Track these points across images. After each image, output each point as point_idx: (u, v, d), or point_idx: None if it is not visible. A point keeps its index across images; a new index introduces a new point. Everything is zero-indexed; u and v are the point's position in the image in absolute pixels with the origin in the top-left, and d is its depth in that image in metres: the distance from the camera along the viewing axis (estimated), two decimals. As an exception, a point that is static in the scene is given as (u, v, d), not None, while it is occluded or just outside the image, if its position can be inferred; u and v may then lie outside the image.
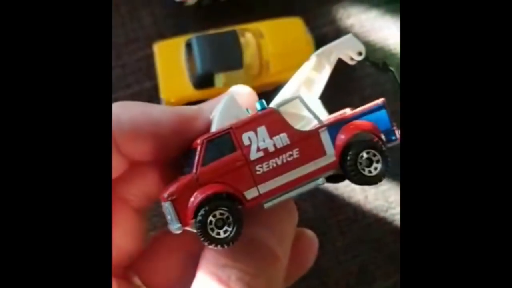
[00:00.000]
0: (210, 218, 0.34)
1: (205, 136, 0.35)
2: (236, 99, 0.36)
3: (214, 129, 0.36)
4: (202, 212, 0.34)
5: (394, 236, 0.87)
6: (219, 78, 0.87)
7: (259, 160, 0.35)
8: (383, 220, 0.87)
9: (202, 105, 0.39)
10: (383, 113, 0.37)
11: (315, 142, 0.35)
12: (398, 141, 0.37)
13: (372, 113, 0.36)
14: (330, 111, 0.40)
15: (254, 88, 0.87)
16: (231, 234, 0.34)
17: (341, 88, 0.91)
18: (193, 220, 0.34)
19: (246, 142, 0.35)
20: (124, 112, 0.37)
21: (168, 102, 0.88)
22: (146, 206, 0.41)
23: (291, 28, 0.93)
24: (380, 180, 0.36)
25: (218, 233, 0.34)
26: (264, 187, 0.35)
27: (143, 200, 0.40)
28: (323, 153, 0.35)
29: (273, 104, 0.37)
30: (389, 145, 0.37)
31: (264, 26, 0.92)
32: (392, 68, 0.39)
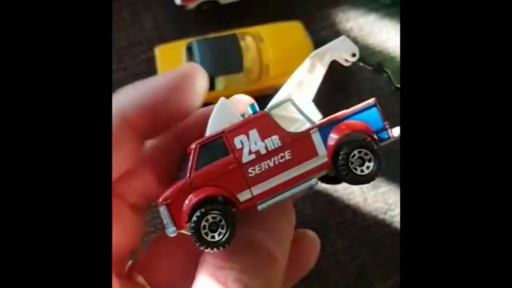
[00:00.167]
0: (203, 222, 0.35)
1: (198, 141, 0.36)
2: (229, 104, 0.37)
3: (207, 133, 0.36)
4: (195, 217, 0.34)
5: (393, 238, 0.87)
6: (219, 81, 0.88)
7: (251, 163, 0.35)
8: (382, 222, 0.88)
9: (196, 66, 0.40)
10: (374, 112, 0.37)
11: (307, 143, 0.36)
12: (391, 140, 0.37)
13: (364, 113, 0.37)
14: (329, 114, 0.40)
15: (254, 91, 0.88)
16: (225, 237, 0.34)
17: (340, 91, 0.92)
18: (188, 224, 0.35)
19: (238, 146, 0.35)
20: (131, 91, 0.38)
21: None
22: (143, 204, 0.41)
23: (290, 32, 0.94)
24: (373, 179, 0.36)
25: (213, 236, 0.35)
26: (257, 189, 0.35)
27: (140, 198, 0.40)
28: (315, 154, 0.36)
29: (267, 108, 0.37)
30: (382, 143, 0.37)
31: (264, 30, 0.93)
32: (387, 70, 0.40)
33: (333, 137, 0.36)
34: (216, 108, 0.36)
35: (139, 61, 0.95)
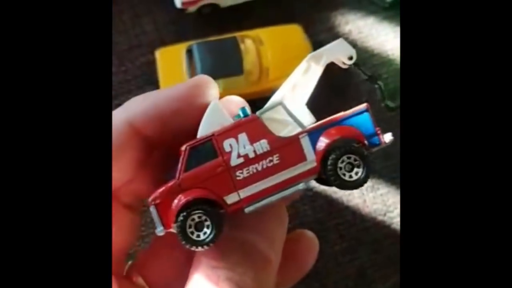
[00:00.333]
0: (189, 222, 0.35)
1: (189, 143, 0.36)
2: (220, 106, 0.37)
3: (198, 135, 0.37)
4: (181, 217, 0.35)
5: (392, 239, 0.87)
6: (220, 84, 0.88)
7: (240, 166, 0.36)
8: (381, 223, 0.88)
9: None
10: (365, 117, 0.37)
11: (295, 148, 0.36)
12: (382, 145, 0.37)
13: (355, 118, 0.37)
14: (327, 117, 0.40)
15: (254, 93, 0.89)
16: (210, 236, 0.35)
17: (338, 94, 0.92)
18: (175, 224, 0.35)
19: (227, 149, 0.36)
20: (141, 100, 0.38)
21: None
22: (137, 204, 0.42)
23: (290, 35, 0.94)
24: (361, 185, 0.36)
25: (198, 235, 0.35)
26: (245, 192, 0.35)
27: (134, 198, 0.41)
28: (303, 158, 0.36)
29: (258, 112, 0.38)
30: (373, 149, 0.37)
31: (264, 33, 0.94)
32: (380, 83, 0.39)
33: (322, 142, 0.36)
34: (208, 110, 0.37)
35: (139, 64, 0.95)
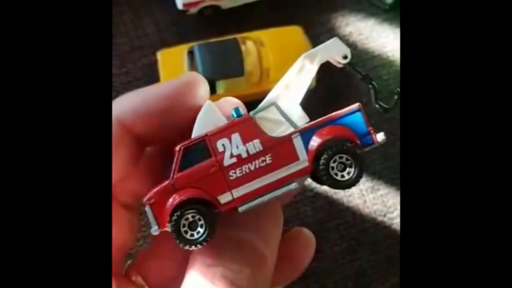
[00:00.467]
0: (183, 221, 0.36)
1: (183, 143, 0.37)
2: (215, 107, 0.37)
3: (193, 135, 0.37)
4: (175, 217, 0.36)
5: (392, 240, 0.88)
6: (221, 85, 0.89)
7: (232, 166, 0.36)
8: (381, 224, 0.89)
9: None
10: (358, 117, 0.37)
11: (288, 148, 0.36)
12: (375, 145, 0.37)
13: (347, 118, 0.37)
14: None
15: (255, 94, 0.89)
16: (203, 236, 0.35)
17: (338, 94, 0.93)
18: (169, 223, 0.36)
19: (220, 149, 0.36)
20: (130, 98, 0.39)
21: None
22: (135, 204, 0.42)
23: (291, 36, 0.95)
24: (353, 185, 0.36)
25: (192, 235, 0.36)
26: (238, 192, 0.36)
27: (131, 197, 0.41)
28: (295, 158, 0.36)
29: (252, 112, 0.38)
30: (366, 149, 0.37)
31: (265, 35, 0.94)
32: (374, 83, 0.39)
33: (314, 142, 0.36)
34: (202, 110, 0.37)
35: (141, 65, 0.96)
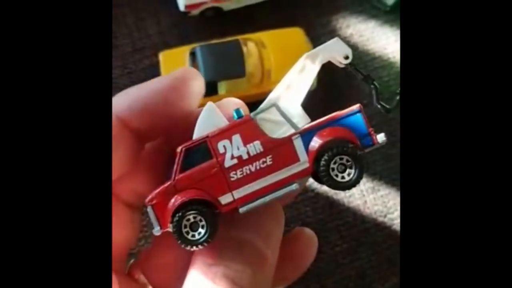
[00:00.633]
0: (185, 222, 0.36)
1: (184, 144, 0.37)
2: (216, 108, 0.37)
3: (194, 136, 0.37)
4: (176, 217, 0.36)
5: (392, 240, 0.88)
6: (222, 86, 0.89)
7: (233, 167, 0.36)
8: (381, 225, 0.89)
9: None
10: (358, 118, 0.37)
11: (288, 149, 0.36)
12: (375, 146, 0.37)
13: (348, 119, 0.37)
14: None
15: (256, 95, 0.90)
16: (204, 236, 0.36)
17: (339, 95, 0.93)
18: (171, 224, 0.36)
19: (221, 150, 0.36)
20: (127, 94, 0.39)
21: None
22: (137, 202, 0.42)
23: (292, 38, 0.95)
24: (354, 186, 0.37)
25: (193, 235, 0.36)
26: (238, 193, 0.36)
27: (134, 196, 0.41)
28: (296, 159, 0.36)
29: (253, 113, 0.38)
30: (366, 150, 0.37)
31: (266, 36, 0.95)
32: (375, 83, 0.39)
33: (314, 144, 0.36)
34: (203, 111, 0.37)
35: (143, 66, 0.96)
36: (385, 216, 0.90)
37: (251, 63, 0.91)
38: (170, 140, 0.40)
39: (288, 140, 0.36)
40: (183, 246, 0.36)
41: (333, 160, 0.36)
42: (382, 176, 0.91)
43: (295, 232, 0.43)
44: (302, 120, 0.38)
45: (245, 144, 0.36)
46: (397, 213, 0.90)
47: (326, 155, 0.36)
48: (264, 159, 0.36)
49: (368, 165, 0.89)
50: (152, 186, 0.38)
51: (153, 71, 0.94)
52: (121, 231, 0.40)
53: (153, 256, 0.43)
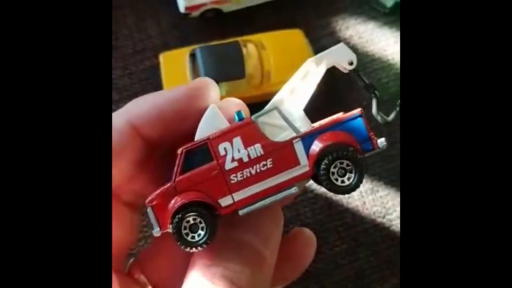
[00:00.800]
0: (184, 224, 0.36)
1: (185, 146, 0.37)
2: (218, 110, 0.38)
3: (196, 138, 0.37)
4: (176, 219, 0.36)
5: (391, 241, 0.88)
6: (222, 87, 0.89)
7: (234, 170, 0.36)
8: (380, 226, 0.89)
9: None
10: (359, 122, 0.37)
11: (289, 152, 0.36)
12: (376, 150, 0.37)
13: (348, 123, 0.37)
14: None
15: (256, 96, 0.90)
16: (204, 238, 0.36)
17: (341, 99, 0.94)
18: (170, 225, 0.36)
19: (222, 153, 0.36)
20: (142, 101, 0.39)
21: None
22: (138, 203, 0.42)
23: (291, 40, 0.96)
24: (354, 190, 0.37)
25: (193, 237, 0.36)
26: (238, 195, 0.36)
27: (134, 196, 0.41)
28: (296, 163, 0.36)
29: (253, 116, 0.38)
30: (367, 154, 0.37)
31: (266, 38, 0.95)
32: (376, 93, 0.39)
33: (315, 147, 0.36)
34: (205, 113, 0.37)
35: (144, 68, 0.97)
36: (384, 216, 0.90)
37: (251, 64, 0.92)
38: (175, 145, 0.40)
39: (289, 143, 0.37)
40: (182, 247, 0.36)
41: (333, 164, 0.36)
42: (381, 177, 0.91)
43: (294, 232, 0.43)
44: (304, 125, 0.38)
45: (245, 146, 0.36)
46: (396, 214, 0.90)
47: (327, 159, 0.36)
48: (264, 162, 0.36)
49: (368, 166, 0.89)
50: (152, 187, 0.38)
51: (154, 72, 0.95)
52: (121, 231, 0.41)
53: (153, 256, 0.43)
